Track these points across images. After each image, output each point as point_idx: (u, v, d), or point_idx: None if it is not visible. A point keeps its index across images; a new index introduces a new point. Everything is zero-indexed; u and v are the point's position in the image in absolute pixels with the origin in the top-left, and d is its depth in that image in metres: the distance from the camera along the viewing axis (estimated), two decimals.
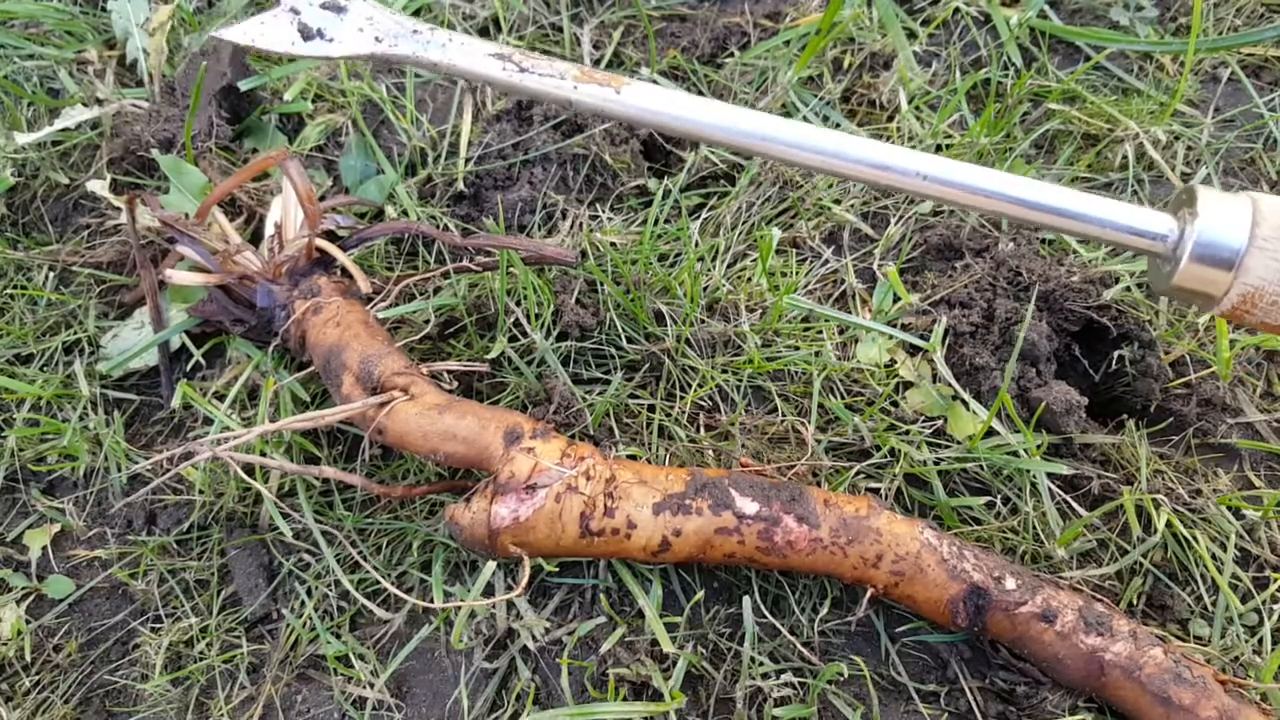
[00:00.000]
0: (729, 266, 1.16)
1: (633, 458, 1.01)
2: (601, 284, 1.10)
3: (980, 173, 0.84)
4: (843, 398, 1.06)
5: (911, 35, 1.37)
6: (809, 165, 0.86)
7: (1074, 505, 1.00)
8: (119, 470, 1.11)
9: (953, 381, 1.03)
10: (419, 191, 1.25)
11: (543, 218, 1.22)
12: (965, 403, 1.03)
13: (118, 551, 1.08)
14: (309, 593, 1.01)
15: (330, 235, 1.13)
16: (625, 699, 0.90)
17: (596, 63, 1.37)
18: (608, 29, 1.41)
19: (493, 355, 1.06)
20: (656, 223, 1.17)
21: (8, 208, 1.31)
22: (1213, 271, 0.80)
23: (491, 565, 0.89)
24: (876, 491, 1.00)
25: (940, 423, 1.02)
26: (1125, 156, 1.23)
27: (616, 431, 1.05)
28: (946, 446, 1.01)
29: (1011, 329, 1.06)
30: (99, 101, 1.36)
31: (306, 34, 0.89)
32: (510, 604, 0.95)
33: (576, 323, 1.08)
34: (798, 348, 1.08)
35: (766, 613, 0.94)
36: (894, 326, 1.08)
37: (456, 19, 1.40)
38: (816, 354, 1.07)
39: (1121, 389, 1.08)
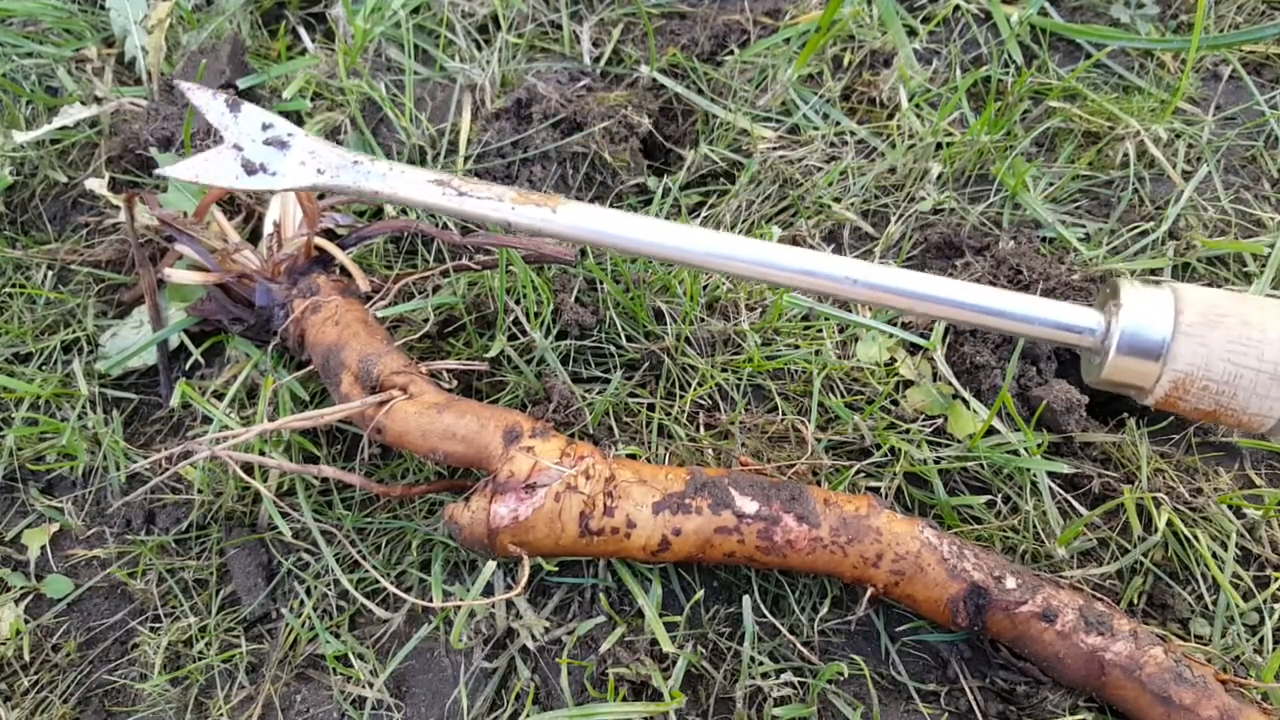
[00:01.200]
0: None
1: (632, 457, 1.01)
2: (601, 282, 1.10)
3: (909, 277, 0.86)
4: (843, 396, 1.06)
5: (912, 33, 1.36)
6: (744, 276, 0.89)
7: (1074, 504, 0.99)
8: (118, 469, 1.11)
9: (953, 380, 1.03)
10: None
11: None
12: (966, 401, 1.02)
13: (116, 551, 1.08)
14: (308, 592, 1.01)
15: (329, 234, 1.13)
16: (625, 699, 0.90)
17: (597, 60, 1.37)
18: (607, 26, 1.41)
19: (492, 354, 1.06)
20: None
21: (6, 206, 1.31)
22: (1140, 362, 0.82)
23: (491, 565, 0.89)
24: (876, 490, 1.00)
25: (940, 421, 1.02)
26: (1126, 154, 1.22)
27: (616, 430, 1.05)
28: (947, 445, 1.01)
29: None
30: (97, 100, 1.36)
31: (250, 169, 0.93)
32: (510, 603, 0.95)
33: (576, 321, 1.08)
34: (797, 346, 1.08)
35: (766, 612, 0.94)
36: (894, 325, 1.08)
37: (456, 17, 1.39)
38: (816, 352, 1.06)
39: None
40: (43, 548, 1.09)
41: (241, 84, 1.31)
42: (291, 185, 0.93)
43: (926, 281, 0.86)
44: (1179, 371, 0.81)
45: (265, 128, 0.94)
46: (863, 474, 1.00)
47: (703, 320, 1.10)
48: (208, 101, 0.95)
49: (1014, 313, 0.85)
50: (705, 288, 1.12)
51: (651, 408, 1.06)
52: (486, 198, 0.91)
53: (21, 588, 1.07)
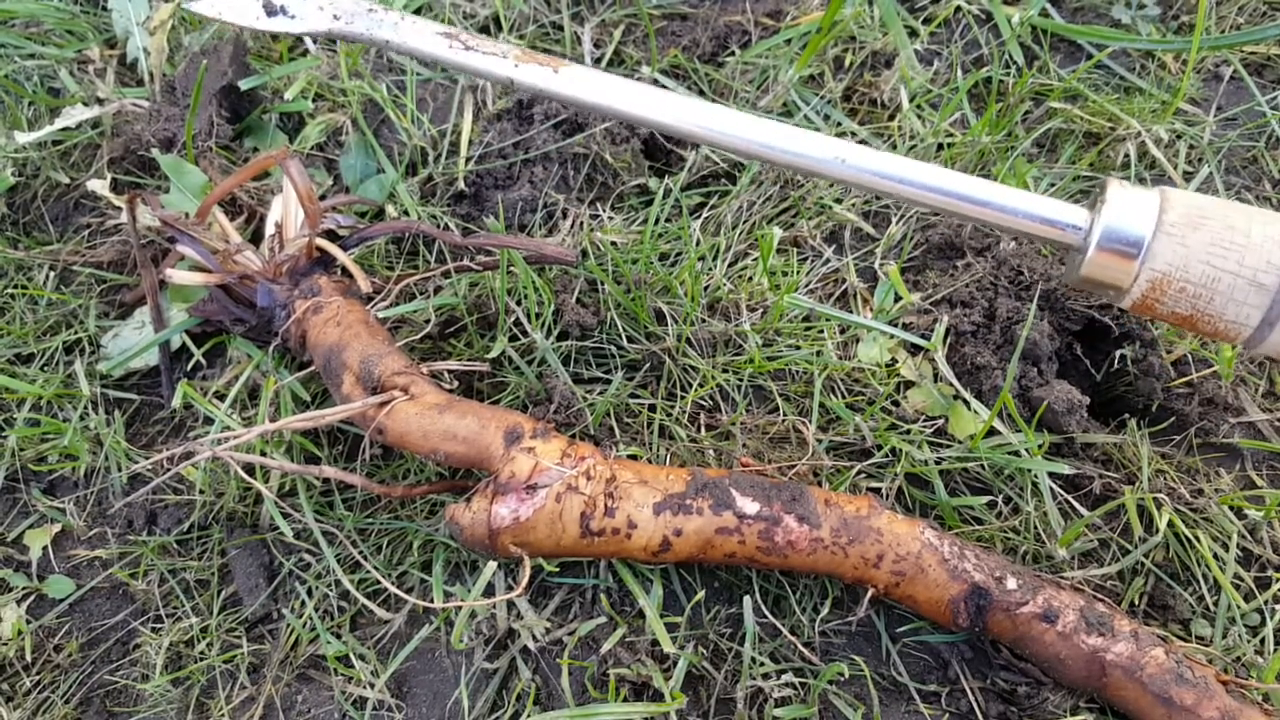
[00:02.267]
0: (730, 266, 1.16)
1: (633, 457, 1.01)
2: (602, 283, 1.10)
3: (896, 161, 0.85)
4: (844, 397, 1.06)
5: (913, 33, 1.36)
6: (734, 150, 0.88)
7: (1075, 505, 0.99)
8: (119, 470, 1.11)
9: (954, 381, 1.03)
10: (419, 191, 1.25)
11: (543, 217, 1.22)
12: (967, 402, 1.02)
13: (118, 551, 1.08)
14: (309, 593, 1.01)
15: (331, 235, 1.13)
16: (626, 699, 0.90)
17: (598, 62, 1.37)
18: (608, 28, 1.41)
19: (493, 355, 1.06)
20: (657, 222, 1.17)
21: (8, 207, 1.31)
22: (1119, 260, 0.80)
23: (492, 565, 0.89)
24: (877, 491, 1.00)
25: (941, 422, 1.02)
26: (1127, 155, 1.22)
27: (617, 431, 1.05)
28: (948, 446, 1.01)
29: (1013, 328, 1.05)
30: (99, 101, 1.36)
31: (270, 9, 0.94)
32: (511, 604, 0.95)
33: (577, 322, 1.08)
34: (799, 347, 1.08)
35: (767, 613, 0.94)
36: (895, 326, 1.08)
37: (457, 18, 1.39)
38: (817, 353, 1.06)
39: (1123, 388, 1.08)
40: (44, 548, 1.09)
41: (244, 85, 1.31)
42: (308, 29, 0.94)
43: (913, 167, 0.84)
44: (1157, 271, 0.79)
45: None
46: (864, 475, 1.00)
47: (704, 321, 1.10)
48: None
49: (999, 204, 0.83)
50: (706, 288, 1.12)
51: (653, 408, 1.06)
52: (490, 53, 0.91)
53: (23, 588, 1.07)
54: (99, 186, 1.26)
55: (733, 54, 1.37)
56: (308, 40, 1.43)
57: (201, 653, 1.00)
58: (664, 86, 1.33)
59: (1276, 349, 0.79)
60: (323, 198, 1.23)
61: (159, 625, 1.03)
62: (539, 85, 0.90)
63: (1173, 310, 0.81)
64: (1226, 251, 0.77)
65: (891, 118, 1.29)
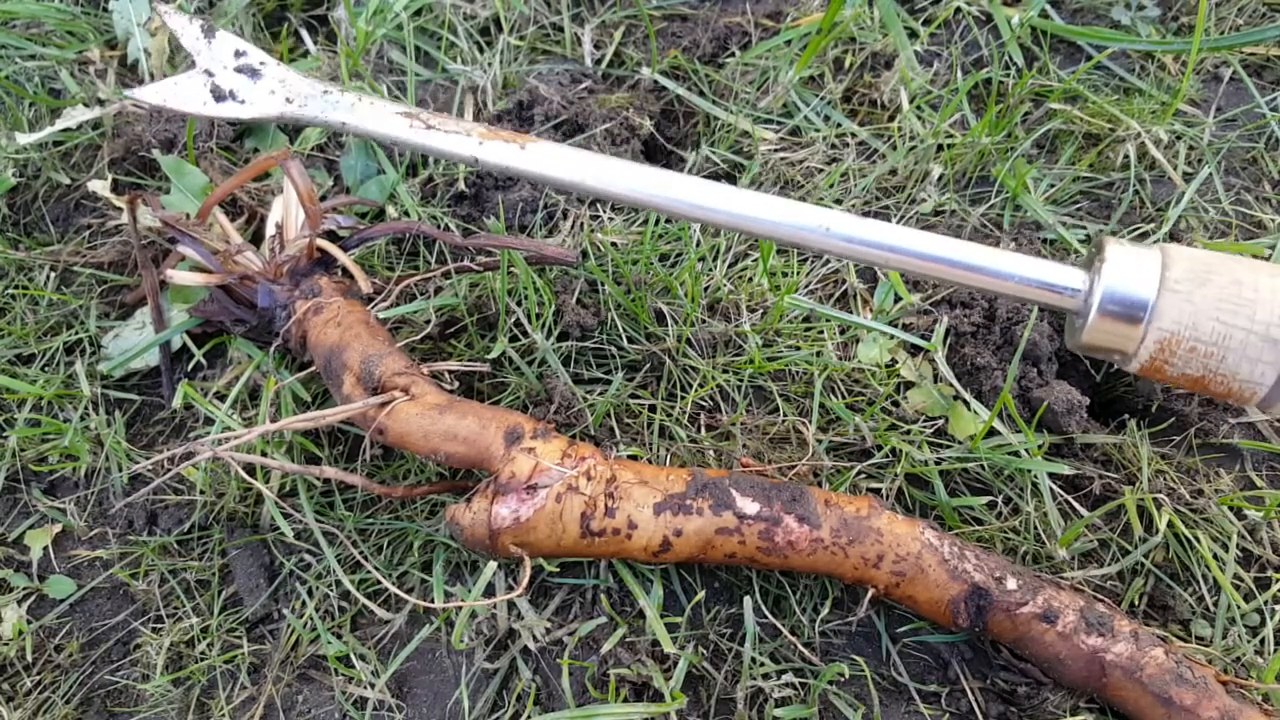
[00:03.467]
0: (730, 266, 1.16)
1: (633, 458, 1.01)
2: (602, 284, 1.10)
3: (885, 230, 0.82)
4: (844, 398, 1.06)
5: (913, 35, 1.37)
6: (715, 224, 0.85)
7: (1075, 505, 0.99)
8: (120, 470, 1.11)
9: (954, 381, 1.03)
10: (420, 191, 1.25)
11: (544, 218, 1.22)
12: (967, 403, 1.02)
13: (119, 552, 1.08)
14: (310, 593, 1.01)
15: (331, 235, 1.13)
16: (626, 699, 0.90)
17: (598, 62, 1.37)
18: (609, 29, 1.41)
19: (493, 355, 1.06)
20: (657, 223, 1.17)
21: (9, 208, 1.32)
22: (1123, 325, 0.77)
23: (492, 565, 0.89)
24: (878, 492, 1.00)
25: (941, 423, 1.02)
26: (1127, 156, 1.23)
27: (617, 431, 1.05)
28: (948, 446, 1.01)
29: (1013, 329, 1.06)
30: (100, 102, 1.36)
31: (219, 95, 0.93)
32: (511, 604, 0.95)
33: (577, 323, 1.08)
34: (799, 348, 1.08)
35: (767, 613, 0.94)
36: (895, 326, 1.08)
37: (458, 19, 1.40)
38: (817, 354, 1.07)
39: (1123, 389, 1.08)
40: (45, 548, 1.10)
41: None
42: (259, 115, 0.92)
43: (904, 235, 0.82)
44: (1164, 331, 0.75)
45: (238, 54, 0.93)
46: (864, 475, 1.01)
47: (704, 322, 1.10)
48: (184, 25, 0.93)
49: (994, 269, 0.80)
50: (706, 289, 1.13)
51: (653, 409, 1.06)
52: (454, 132, 0.89)
53: (24, 588, 1.07)
54: (100, 187, 1.26)
55: (733, 55, 1.37)
56: (308, 41, 1.43)
57: (202, 653, 1.00)
58: (664, 88, 1.33)
59: None
60: (323, 198, 1.23)
61: (159, 625, 1.04)
62: (506, 164, 0.88)
63: (1183, 372, 0.77)
64: (1237, 307, 0.74)
65: (891, 119, 1.29)
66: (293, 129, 1.34)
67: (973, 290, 0.83)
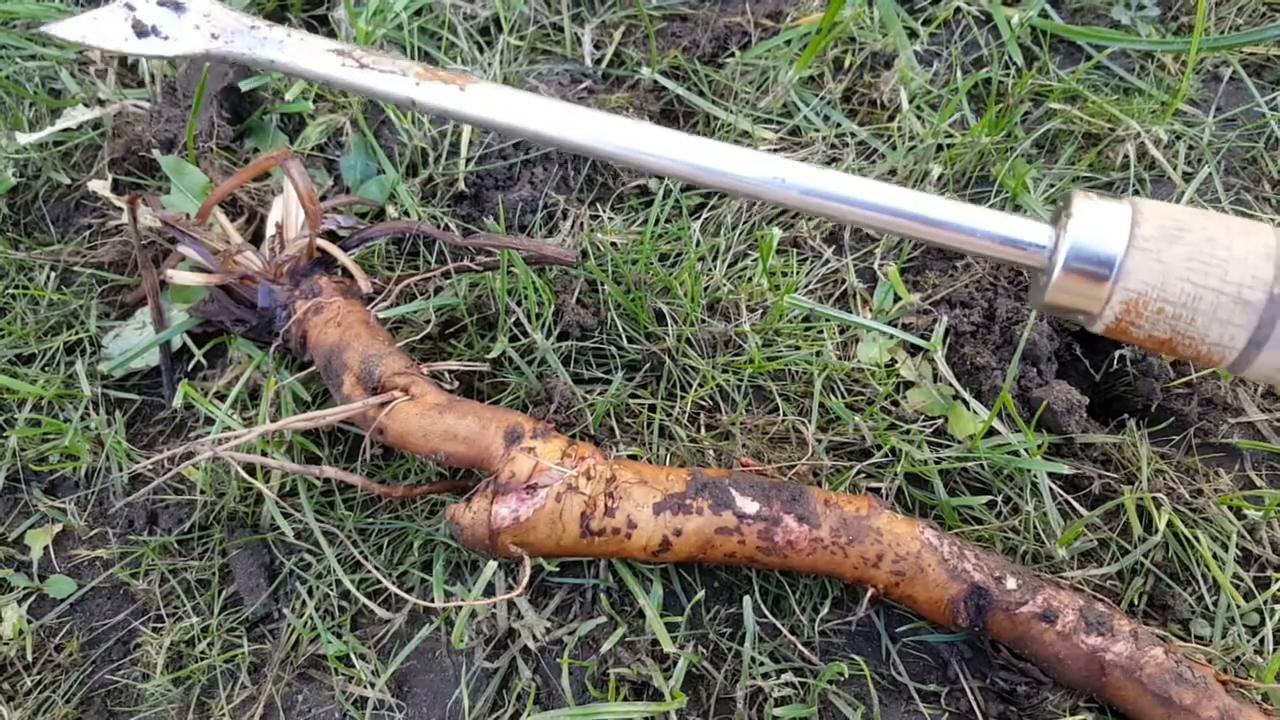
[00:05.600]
0: (730, 266, 1.16)
1: (633, 458, 1.01)
2: (602, 284, 1.10)
3: (843, 180, 0.77)
4: (843, 397, 1.06)
5: (912, 34, 1.37)
6: (661, 171, 0.80)
7: (1075, 505, 0.99)
8: (120, 470, 1.11)
9: (953, 381, 1.03)
10: (420, 191, 1.25)
11: (543, 217, 1.22)
12: (966, 402, 1.02)
13: (119, 551, 1.08)
14: (310, 592, 1.01)
15: (331, 235, 1.13)
16: (626, 699, 0.90)
17: (598, 62, 1.37)
18: (609, 29, 1.41)
19: (493, 355, 1.06)
20: (657, 222, 1.17)
21: (9, 208, 1.32)
22: (1088, 281, 0.72)
23: (492, 565, 0.89)
24: (877, 491, 1.00)
25: (941, 422, 1.02)
26: (1127, 156, 1.23)
27: (617, 431, 1.05)
28: (947, 446, 1.01)
29: (1013, 328, 1.06)
30: (100, 102, 1.36)
31: (141, 31, 0.88)
32: (511, 604, 0.95)
33: (577, 322, 1.08)
34: (798, 347, 1.08)
35: (767, 612, 0.94)
36: (895, 326, 1.08)
37: (458, 19, 1.40)
38: (817, 354, 1.07)
39: (1123, 388, 1.08)
40: (45, 548, 1.10)
41: (244, 86, 1.31)
42: (182, 51, 0.87)
43: (863, 187, 0.77)
44: (1131, 291, 0.71)
45: None
46: (863, 475, 1.01)
47: (704, 321, 1.10)
48: None
49: (955, 224, 0.76)
50: (706, 289, 1.13)
51: (653, 409, 1.06)
52: (389, 71, 0.83)
53: (24, 588, 1.08)
54: (100, 187, 1.26)
55: (733, 55, 1.37)
56: None
57: (202, 652, 1.00)
58: (664, 88, 1.33)
59: (1265, 372, 0.72)
60: (323, 198, 1.23)
61: (160, 625, 1.04)
62: (444, 105, 0.82)
63: (1150, 334, 0.73)
64: (1208, 267, 0.70)
65: (891, 118, 1.29)
66: (293, 129, 1.34)
67: (935, 246, 0.78)
